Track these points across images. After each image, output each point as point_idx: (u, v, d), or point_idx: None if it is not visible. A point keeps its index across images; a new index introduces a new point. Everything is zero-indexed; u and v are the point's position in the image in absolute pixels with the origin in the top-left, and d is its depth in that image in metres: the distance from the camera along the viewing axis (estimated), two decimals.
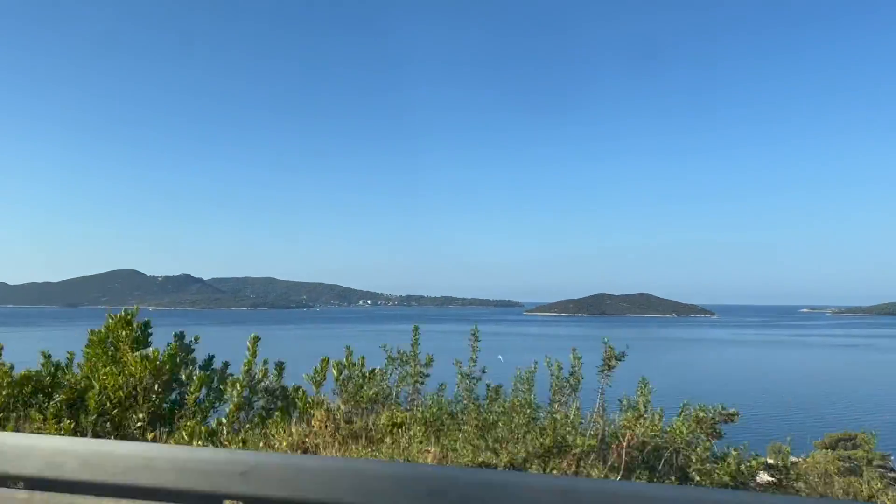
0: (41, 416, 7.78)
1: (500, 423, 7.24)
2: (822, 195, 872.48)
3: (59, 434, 7.25)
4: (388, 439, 7.52)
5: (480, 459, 6.64)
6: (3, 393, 8.26)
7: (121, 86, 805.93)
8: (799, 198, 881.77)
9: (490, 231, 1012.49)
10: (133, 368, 8.44)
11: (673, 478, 6.58)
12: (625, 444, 6.62)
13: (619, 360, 7.71)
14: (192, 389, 8.86)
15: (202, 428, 7.81)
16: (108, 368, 8.42)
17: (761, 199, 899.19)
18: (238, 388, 8.71)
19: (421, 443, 7.26)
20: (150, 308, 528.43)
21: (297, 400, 8.94)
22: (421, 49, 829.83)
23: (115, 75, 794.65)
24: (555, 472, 6.48)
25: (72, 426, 7.90)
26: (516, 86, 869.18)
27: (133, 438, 8.10)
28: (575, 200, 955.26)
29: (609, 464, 6.61)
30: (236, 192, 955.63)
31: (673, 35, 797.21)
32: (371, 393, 8.63)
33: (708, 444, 6.66)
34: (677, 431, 6.71)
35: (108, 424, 8.31)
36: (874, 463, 38.87)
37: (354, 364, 9.35)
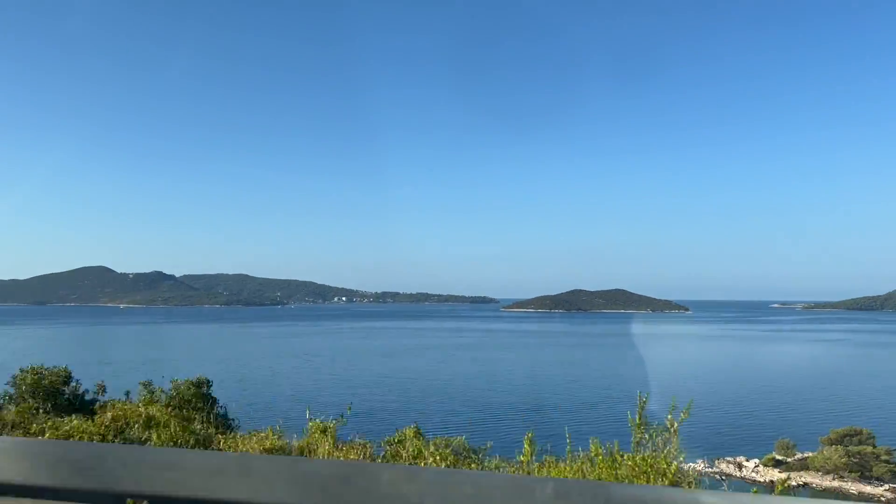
0: None
1: None
2: (792, 192, 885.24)
3: None
4: None
5: None
6: None
7: (85, 84, 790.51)
8: (769, 195, 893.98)
9: (464, 228, 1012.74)
10: None
11: None
12: None
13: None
14: None
15: None
16: None
17: (732, 196, 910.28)
18: None
19: None
20: (122, 306, 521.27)
21: None
22: (392, 51, 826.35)
23: (81, 74, 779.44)
24: None
25: None
26: (492, 86, 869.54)
27: None
28: (548, 197, 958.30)
29: None
30: (207, 189, 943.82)
31: (650, 37, 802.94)
32: None
33: None
34: None
35: None
36: (881, 458, 38.18)
37: None
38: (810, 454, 49.83)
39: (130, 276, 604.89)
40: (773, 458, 51.06)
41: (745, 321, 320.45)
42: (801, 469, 48.03)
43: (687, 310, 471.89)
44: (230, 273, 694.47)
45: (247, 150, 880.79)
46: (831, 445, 47.47)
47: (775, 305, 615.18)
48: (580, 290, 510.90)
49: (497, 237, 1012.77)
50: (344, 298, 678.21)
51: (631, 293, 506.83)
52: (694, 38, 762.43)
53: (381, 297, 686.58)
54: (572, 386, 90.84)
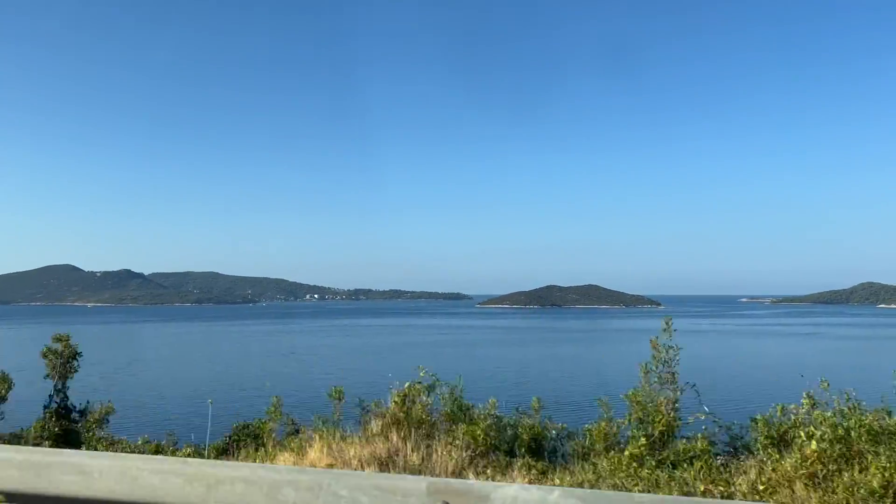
0: None
1: None
2: (759, 189, 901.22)
3: None
4: None
5: None
6: None
7: (49, 79, 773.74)
8: (737, 191, 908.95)
9: (438, 224, 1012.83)
10: None
11: None
12: None
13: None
14: None
15: None
16: None
17: (701, 193, 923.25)
18: None
19: None
20: (89, 305, 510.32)
21: None
22: (378, 51, 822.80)
23: (46, 64, 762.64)
24: None
25: None
26: (469, 82, 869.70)
27: None
28: (521, 193, 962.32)
29: None
30: (176, 185, 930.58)
31: (633, 36, 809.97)
32: None
33: None
34: None
35: None
36: None
37: None
38: None
39: (98, 274, 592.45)
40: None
41: (717, 315, 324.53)
42: None
43: (659, 305, 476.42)
44: (200, 271, 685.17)
45: (215, 145, 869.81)
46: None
47: (744, 300, 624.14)
48: (554, 286, 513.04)
49: (470, 234, 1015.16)
50: (316, 296, 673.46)
51: (603, 288, 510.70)
52: (675, 38, 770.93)
53: (354, 294, 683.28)
54: (578, 382, 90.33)
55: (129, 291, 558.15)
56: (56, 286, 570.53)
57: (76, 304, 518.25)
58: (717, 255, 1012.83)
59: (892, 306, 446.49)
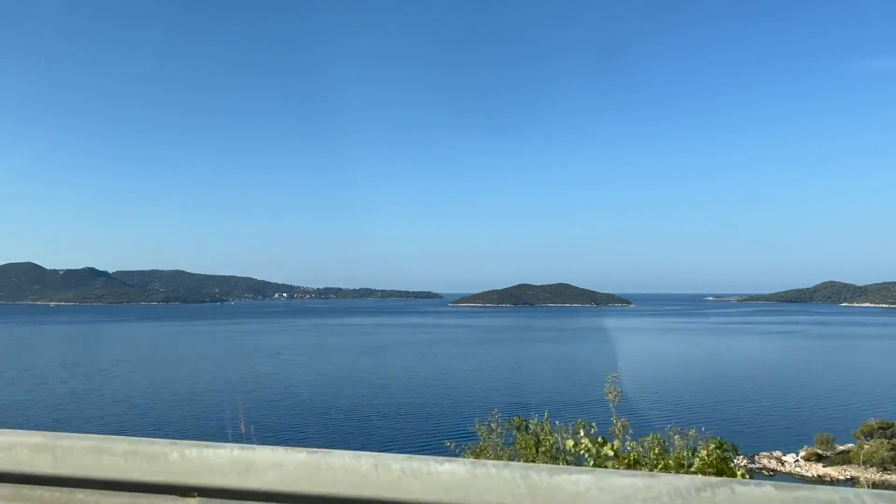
0: None
1: None
2: (724, 188, 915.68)
3: None
4: None
5: None
6: None
7: (7, 77, 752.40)
8: (703, 190, 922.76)
9: (408, 223, 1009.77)
10: None
11: None
12: None
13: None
14: None
15: None
16: None
17: (667, 192, 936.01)
18: None
19: None
20: (52, 304, 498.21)
21: None
22: (359, 52, 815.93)
23: (9, 60, 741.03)
24: None
25: None
26: (446, 85, 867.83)
27: None
28: (493, 192, 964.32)
29: None
30: (140, 183, 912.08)
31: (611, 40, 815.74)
32: None
33: None
34: None
35: None
36: None
37: None
38: (851, 447, 50.59)
39: (61, 272, 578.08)
40: (816, 453, 51.62)
41: (691, 314, 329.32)
42: (844, 463, 48.79)
43: (629, 303, 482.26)
44: (166, 269, 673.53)
45: (180, 142, 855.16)
46: (867, 438, 48.31)
47: (710, 298, 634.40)
48: (525, 285, 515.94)
49: (440, 233, 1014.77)
50: (285, 294, 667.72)
51: (574, 287, 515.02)
52: (653, 41, 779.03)
53: (324, 293, 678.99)
54: (565, 382, 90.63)
55: (93, 290, 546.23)
56: (17, 285, 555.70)
57: (38, 303, 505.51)
58: (684, 254, 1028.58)
59: (855, 304, 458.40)
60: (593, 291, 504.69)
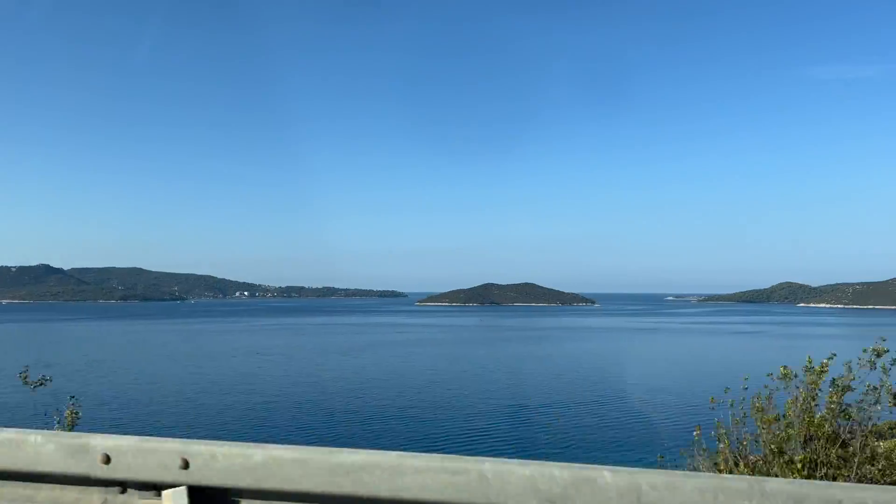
0: None
1: None
2: (681, 189, 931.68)
3: None
4: None
5: None
6: None
7: None
8: (661, 192, 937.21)
9: (373, 222, 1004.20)
10: None
11: None
12: None
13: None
14: None
15: None
16: None
17: (625, 193, 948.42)
18: None
19: None
20: (4, 302, 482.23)
21: None
22: (338, 62, 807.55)
23: None
24: None
25: None
26: (412, 88, 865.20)
27: None
28: (454, 193, 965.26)
29: None
30: (96, 177, 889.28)
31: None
32: None
33: None
34: None
35: None
36: None
37: None
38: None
39: (13, 269, 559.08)
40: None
41: (658, 313, 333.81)
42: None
43: (594, 303, 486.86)
44: (123, 266, 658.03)
45: (137, 138, 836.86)
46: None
47: (670, 298, 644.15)
48: (492, 284, 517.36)
49: (405, 232, 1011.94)
50: (246, 293, 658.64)
51: (540, 286, 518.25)
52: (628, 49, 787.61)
53: (286, 291, 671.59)
54: (566, 383, 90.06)
55: (47, 287, 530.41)
56: None
57: None
58: (642, 255, 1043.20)
59: (812, 305, 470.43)
60: (559, 291, 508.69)
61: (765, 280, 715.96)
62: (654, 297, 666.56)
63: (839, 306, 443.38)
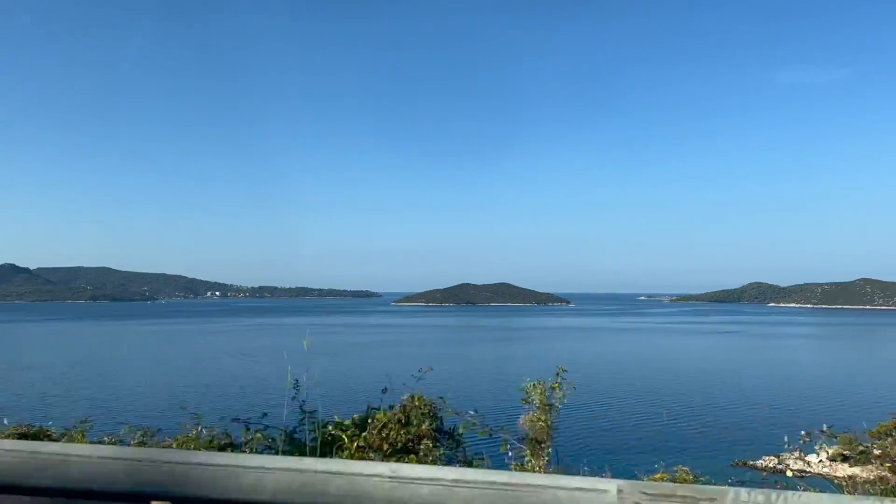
0: None
1: None
2: (653, 191, 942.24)
3: None
4: None
5: None
6: None
7: None
8: (633, 193, 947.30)
9: (347, 222, 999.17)
10: None
11: None
12: None
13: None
14: None
15: None
16: None
17: (599, 194, 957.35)
18: None
19: None
20: None
21: None
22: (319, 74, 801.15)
23: None
24: None
25: None
26: (386, 90, 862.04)
27: None
28: (430, 193, 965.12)
29: None
30: (62, 176, 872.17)
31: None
32: None
33: None
34: None
35: None
36: None
37: None
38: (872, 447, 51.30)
39: None
40: (841, 453, 52.12)
41: (633, 313, 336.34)
42: (866, 463, 49.37)
43: (569, 303, 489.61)
44: (91, 266, 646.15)
45: (110, 135, 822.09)
46: (883, 438, 49.05)
47: (642, 298, 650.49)
48: (467, 284, 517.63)
49: (379, 232, 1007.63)
50: (218, 293, 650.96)
51: (515, 286, 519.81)
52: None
53: (259, 291, 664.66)
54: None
55: (13, 287, 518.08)
56: None
57: None
58: (614, 255, 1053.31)
59: (781, 304, 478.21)
60: (534, 291, 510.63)
61: (735, 280, 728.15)
62: (627, 297, 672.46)
63: (808, 306, 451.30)
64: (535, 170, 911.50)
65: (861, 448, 55.34)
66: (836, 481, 52.15)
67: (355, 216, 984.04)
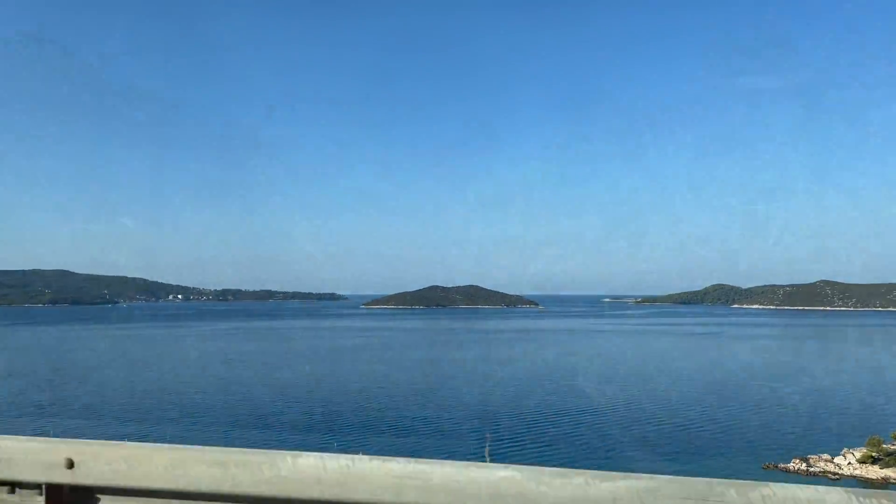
0: None
1: None
2: (615, 193, 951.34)
3: None
4: None
5: None
6: None
7: None
8: (592, 192, 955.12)
9: (308, 224, 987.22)
10: None
11: None
12: None
13: None
14: None
15: None
16: None
17: (565, 195, 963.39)
18: None
19: None
20: None
21: None
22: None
23: None
24: None
25: None
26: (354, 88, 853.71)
27: None
28: (392, 198, 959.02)
29: None
30: (12, 171, 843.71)
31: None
32: None
33: None
34: None
35: None
36: None
37: None
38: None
39: None
40: (870, 455, 53.01)
41: (601, 315, 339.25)
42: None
43: (538, 305, 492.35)
44: (48, 269, 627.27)
45: (68, 131, 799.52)
46: None
47: (607, 300, 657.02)
48: (437, 286, 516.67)
49: (344, 233, 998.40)
50: (180, 296, 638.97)
51: (484, 288, 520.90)
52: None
53: (222, 294, 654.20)
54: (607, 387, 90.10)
55: None
56: None
57: None
58: (578, 256, 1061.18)
59: (744, 306, 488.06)
60: (503, 293, 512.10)
61: (697, 282, 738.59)
62: (590, 299, 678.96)
63: (771, 307, 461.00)
64: (508, 169, 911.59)
65: (891, 449, 56.66)
66: (868, 483, 52.91)
67: (322, 217, 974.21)
